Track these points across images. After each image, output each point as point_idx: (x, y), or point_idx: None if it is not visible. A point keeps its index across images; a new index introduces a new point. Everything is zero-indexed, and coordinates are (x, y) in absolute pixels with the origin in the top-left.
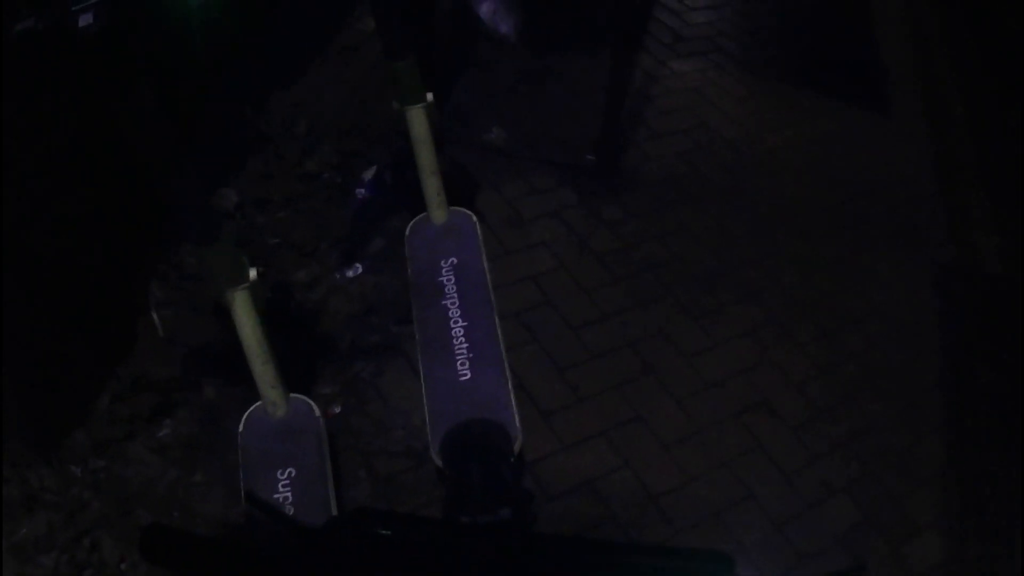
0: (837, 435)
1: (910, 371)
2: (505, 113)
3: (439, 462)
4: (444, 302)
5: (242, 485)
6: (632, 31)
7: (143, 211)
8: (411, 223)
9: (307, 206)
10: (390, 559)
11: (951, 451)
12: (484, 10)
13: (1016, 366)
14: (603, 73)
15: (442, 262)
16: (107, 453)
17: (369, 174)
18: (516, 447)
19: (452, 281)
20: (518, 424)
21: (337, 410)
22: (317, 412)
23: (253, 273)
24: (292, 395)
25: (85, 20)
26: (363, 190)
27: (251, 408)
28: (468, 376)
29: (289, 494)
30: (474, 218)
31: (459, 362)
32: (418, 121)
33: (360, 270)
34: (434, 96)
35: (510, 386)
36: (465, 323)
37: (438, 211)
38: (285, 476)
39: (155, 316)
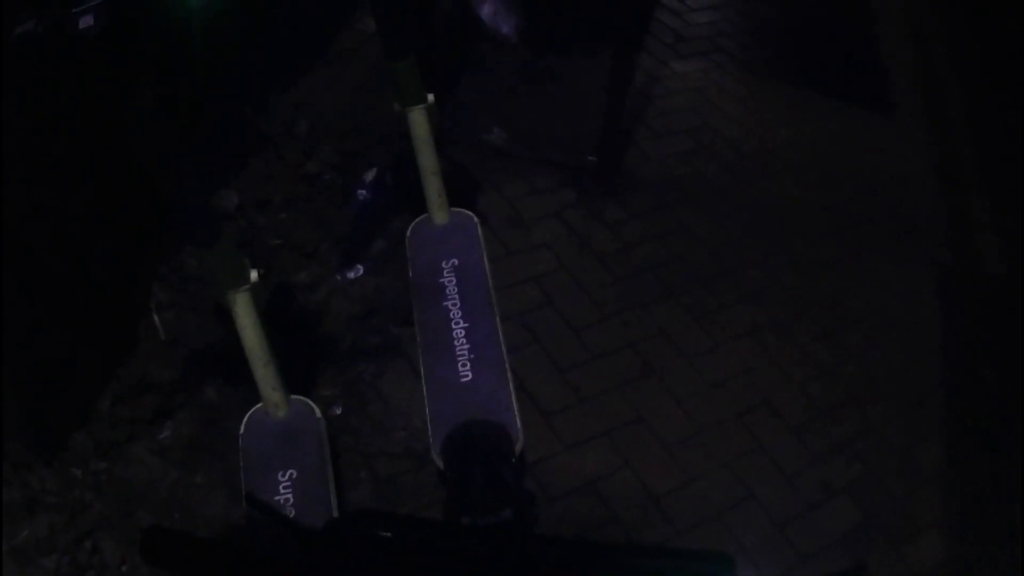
0: (838, 435)
1: (911, 371)
2: (506, 114)
3: (440, 463)
4: (445, 303)
5: (243, 487)
6: (633, 31)
7: (144, 213)
8: (412, 224)
9: (308, 207)
10: (391, 561)
11: (951, 451)
12: (485, 11)
13: (1016, 366)
14: (604, 73)
15: (443, 263)
16: (108, 455)
17: (370, 175)
18: (517, 448)
19: (453, 282)
20: (519, 425)
21: (338, 411)
22: (318, 413)
23: (254, 275)
24: (293, 396)
25: (86, 22)
26: (364, 191)
27: (252, 410)
28: (469, 377)
29: (290, 495)
30: (475, 219)
31: (460, 363)
32: (419, 122)
33: (361, 271)
34: (435, 97)
35: (511, 387)
36: (466, 324)
37: (439, 212)
38: (286, 478)
39: (156, 318)
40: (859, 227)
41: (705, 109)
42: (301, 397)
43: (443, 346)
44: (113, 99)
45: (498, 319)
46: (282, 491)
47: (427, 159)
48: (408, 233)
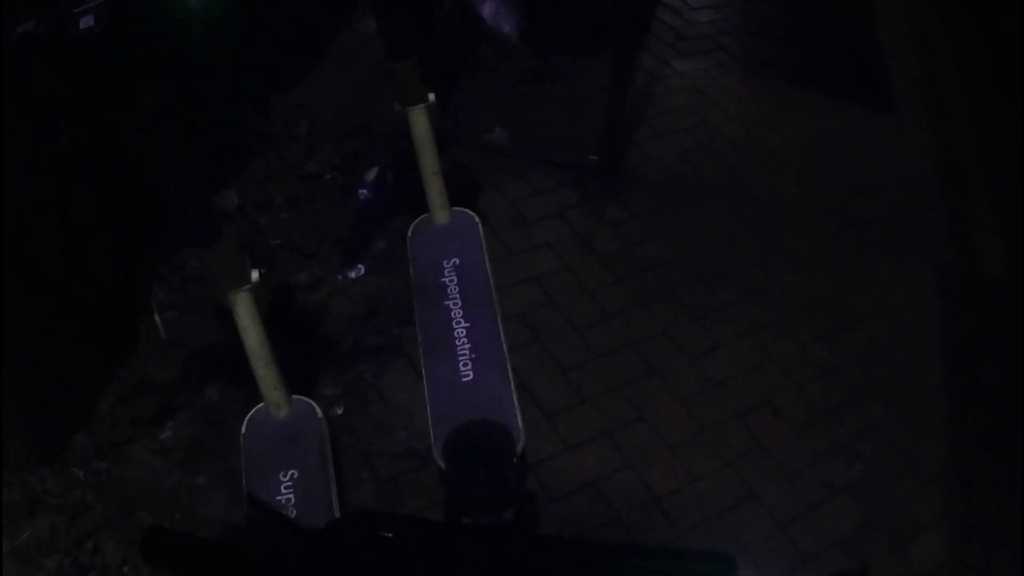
0: (839, 435)
1: (911, 371)
2: (507, 113)
3: (441, 463)
4: (446, 303)
5: (244, 487)
6: (634, 31)
7: (145, 213)
8: (413, 224)
9: (309, 207)
10: (392, 561)
11: (953, 451)
12: (486, 10)
13: (1016, 366)
14: (605, 73)
15: (444, 263)
16: (109, 455)
17: (371, 175)
18: (519, 448)
19: (454, 282)
20: (521, 425)
21: (339, 411)
22: (319, 413)
23: (255, 275)
24: (294, 396)
25: (86, 22)
26: (365, 191)
27: (253, 410)
28: (471, 377)
29: (291, 496)
30: (476, 219)
31: (461, 363)
32: (420, 121)
33: (362, 271)
34: (436, 96)
35: (513, 387)
36: (467, 324)
37: (440, 212)
38: (287, 478)
39: (157, 318)
40: (860, 227)
41: (706, 108)
42: (302, 397)
43: (444, 346)
44: (113, 99)
45: (499, 319)
46: (283, 491)
47: (428, 159)
48: (409, 233)
